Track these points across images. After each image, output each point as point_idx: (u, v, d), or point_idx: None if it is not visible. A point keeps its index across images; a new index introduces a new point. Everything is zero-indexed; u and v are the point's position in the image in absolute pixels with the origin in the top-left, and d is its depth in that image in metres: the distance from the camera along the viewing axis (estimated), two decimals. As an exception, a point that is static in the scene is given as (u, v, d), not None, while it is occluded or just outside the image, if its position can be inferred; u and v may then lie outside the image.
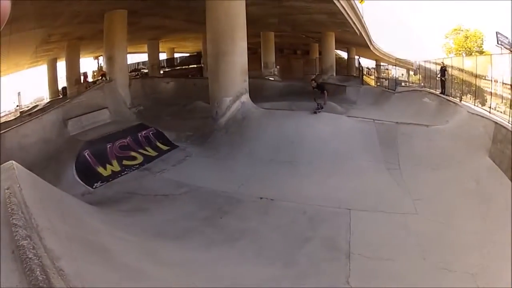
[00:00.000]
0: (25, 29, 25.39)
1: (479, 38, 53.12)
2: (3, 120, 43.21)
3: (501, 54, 25.30)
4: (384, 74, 42.92)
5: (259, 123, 16.78)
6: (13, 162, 6.94)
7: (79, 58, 37.76)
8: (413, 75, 40.83)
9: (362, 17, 39.80)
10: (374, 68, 54.50)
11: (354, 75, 47.89)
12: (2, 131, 18.32)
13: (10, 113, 49.91)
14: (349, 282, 7.62)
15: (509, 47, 32.49)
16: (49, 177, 10.43)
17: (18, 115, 40.55)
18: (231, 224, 9.89)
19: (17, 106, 51.85)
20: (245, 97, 18.27)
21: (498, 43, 32.50)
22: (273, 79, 38.80)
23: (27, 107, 46.61)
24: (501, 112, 15.72)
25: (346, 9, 32.55)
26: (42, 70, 43.38)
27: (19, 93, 55.93)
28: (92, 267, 5.25)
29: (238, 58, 18.18)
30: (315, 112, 16.36)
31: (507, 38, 33.46)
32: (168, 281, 6.27)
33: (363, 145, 15.17)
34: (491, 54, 24.31)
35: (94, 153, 14.56)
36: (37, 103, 46.40)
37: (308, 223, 10.20)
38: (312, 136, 15.11)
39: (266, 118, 17.09)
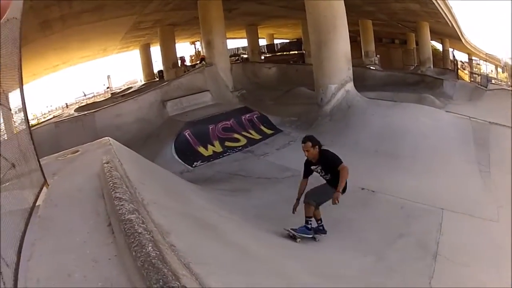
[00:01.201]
0: (113, 17, 26.10)
1: None
2: (92, 101, 45.29)
3: None
4: (476, 69, 41.77)
5: (364, 113, 16.53)
6: (109, 138, 7.02)
7: (174, 43, 38.75)
8: (501, 73, 39.31)
9: (451, 7, 38.30)
10: (467, 62, 53.07)
11: (450, 68, 46.25)
12: (95, 110, 18.96)
13: (99, 95, 52.18)
14: (431, 284, 7.56)
15: None
16: (145, 155, 10.79)
17: (109, 96, 42.10)
18: (332, 213, 9.68)
19: (107, 88, 53.95)
20: (350, 86, 18.03)
21: None
22: (374, 68, 38.08)
23: (119, 89, 48.33)
24: None
25: None
26: (131, 55, 45.13)
27: (108, 76, 58.22)
28: (203, 243, 5.33)
29: (341, 46, 17.94)
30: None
31: None
32: (271, 262, 6.36)
33: (459, 142, 14.70)
34: None
35: (195, 133, 14.97)
36: (131, 86, 47.98)
37: (404, 219, 10.15)
38: (414, 129, 14.74)
39: (371, 108, 16.80)
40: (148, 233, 3.59)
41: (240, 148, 15.33)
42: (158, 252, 3.21)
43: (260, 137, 16.49)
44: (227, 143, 15.55)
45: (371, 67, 38.12)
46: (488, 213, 10.76)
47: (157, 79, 42.54)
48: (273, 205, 10.21)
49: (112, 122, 17.82)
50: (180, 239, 4.33)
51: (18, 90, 4.97)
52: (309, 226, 8.60)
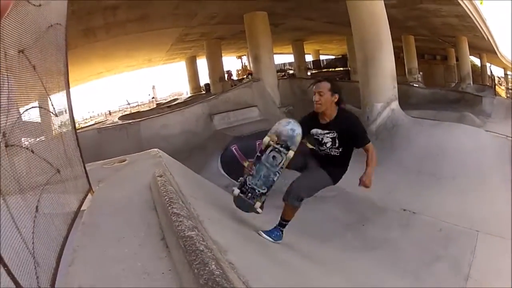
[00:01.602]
0: (159, 28, 26.50)
1: None
2: (136, 110, 45.94)
3: None
4: (510, 84, 41.55)
5: (408, 132, 16.58)
6: (158, 149, 7.07)
7: (221, 56, 39.40)
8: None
9: (486, 20, 38.22)
10: (503, 77, 52.71)
11: (488, 84, 46.54)
12: (140, 119, 19.19)
13: (143, 104, 53.03)
14: None
15: None
16: (191, 167, 11.10)
17: (154, 106, 42.72)
18: (372, 232, 10.25)
19: (152, 98, 54.86)
20: (395, 104, 18.06)
21: None
22: (417, 85, 38.01)
23: (164, 100, 49.08)
24: None
25: (472, 11, 32.22)
26: (176, 66, 45.91)
27: (153, 86, 59.23)
28: (257, 260, 5.29)
29: (386, 63, 18.05)
30: None
31: None
32: (315, 277, 6.46)
33: (497, 162, 14.45)
34: None
35: (242, 148, 14.93)
36: (176, 97, 48.74)
37: (442, 241, 10.22)
38: (455, 149, 14.70)
39: (415, 128, 16.77)
40: (210, 251, 3.60)
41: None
42: (221, 271, 3.20)
43: None
44: None
45: (415, 85, 37.94)
46: None
47: (204, 92, 43.28)
48: (317, 223, 10.41)
49: (157, 132, 18.10)
50: (238, 257, 4.23)
51: (61, 95, 5.02)
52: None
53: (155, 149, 7.69)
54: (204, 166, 14.44)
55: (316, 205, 11.35)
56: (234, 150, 14.71)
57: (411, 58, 44.07)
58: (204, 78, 45.41)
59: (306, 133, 6.21)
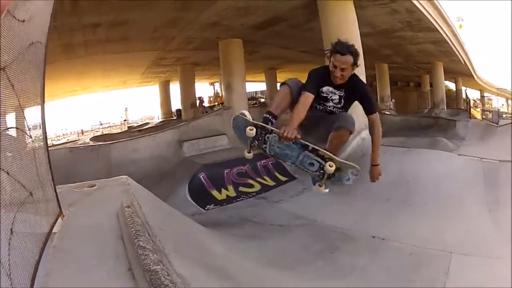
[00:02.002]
0: (137, 50, 26.61)
1: None
2: (107, 131, 46.03)
3: None
4: (488, 105, 42.30)
5: None
6: (127, 177, 7.12)
7: (194, 82, 39.46)
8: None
9: (464, 44, 39.25)
10: (479, 99, 53.58)
11: (463, 108, 47.32)
12: (111, 142, 19.21)
13: (115, 126, 53.13)
14: None
15: None
16: (159, 192, 11.02)
17: (126, 129, 42.81)
18: (342, 260, 10.16)
19: (124, 120, 54.86)
20: (365, 133, 17.89)
21: None
22: (389, 113, 38.73)
23: (136, 123, 49.14)
24: None
25: (450, 36, 32.77)
26: (150, 90, 45.96)
27: (126, 108, 59.20)
28: None
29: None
30: None
31: None
32: None
33: (470, 185, 14.62)
34: None
35: (210, 176, 15.10)
36: (148, 121, 48.84)
37: (412, 264, 10.25)
38: (426, 175, 14.87)
39: (385, 156, 16.48)
40: (174, 285, 3.67)
41: (254, 194, 15.34)
42: None
43: (274, 183, 16.46)
44: (241, 188, 15.58)
45: (387, 112, 38.68)
46: (498, 252, 10.76)
47: (175, 118, 43.39)
48: (285, 252, 10.29)
49: (127, 156, 18.10)
50: None
51: (35, 113, 5.00)
52: None
53: (124, 176, 7.71)
54: (172, 193, 14.40)
55: (284, 234, 11.56)
56: (202, 178, 14.74)
57: (384, 86, 44.70)
58: (176, 103, 45.66)
59: (317, 90, 5.98)
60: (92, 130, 54.48)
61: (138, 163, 17.53)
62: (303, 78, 5.97)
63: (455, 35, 34.93)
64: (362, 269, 9.74)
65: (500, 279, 9.41)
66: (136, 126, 44.49)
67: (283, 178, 17.00)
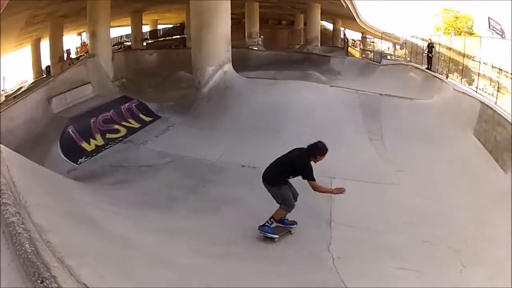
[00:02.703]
0: (11, 14, 25.31)
1: (469, 20, 52.83)
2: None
3: (492, 37, 25.71)
4: (370, 47, 43.06)
5: (242, 92, 16.67)
6: (0, 145, 7.04)
7: (62, 35, 37.37)
8: (399, 50, 40.91)
9: None
10: (359, 40, 54.71)
11: (339, 46, 48.25)
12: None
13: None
14: (330, 250, 7.77)
15: (500, 33, 32.90)
16: (35, 156, 10.67)
17: (3, 99, 40.62)
18: (214, 192, 10.10)
19: (2, 90, 51.74)
20: (228, 66, 18.16)
21: (489, 27, 32.93)
22: (257, 48, 38.66)
23: (12, 90, 46.63)
24: (489, 94, 15.94)
25: None
26: (26, 52, 43.15)
27: (3, 78, 55.72)
28: (79, 237, 5.56)
29: (222, 28, 18.05)
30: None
31: (499, 24, 33.87)
32: (152, 249, 6.47)
33: (346, 115, 15.22)
34: (481, 37, 24.66)
35: (78, 129, 14.50)
36: (21, 85, 46.35)
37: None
38: (296, 105, 15.04)
39: (250, 87, 17.02)
40: (26, 232, 3.86)
41: (121, 138, 14.99)
42: (33, 248, 3.52)
43: (140, 125, 16.25)
44: (108, 135, 15.16)
45: (254, 48, 38.76)
46: (388, 179, 11.42)
47: (45, 76, 41.22)
48: (156, 192, 10.11)
49: (6, 126, 17.29)
50: (58, 236, 4.55)
51: None
52: None
53: None
54: (47, 154, 13.80)
55: (154, 174, 11.37)
56: (71, 132, 14.38)
57: (252, 23, 44.16)
58: (47, 60, 43.33)
59: None
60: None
61: (14, 131, 16.65)
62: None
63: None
64: (236, 199, 9.74)
65: (383, 203, 10.07)
66: (12, 94, 42.23)
67: (147, 119, 16.87)
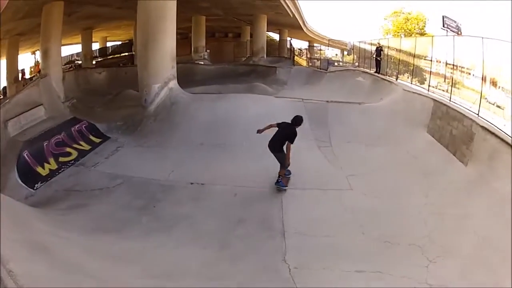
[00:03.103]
0: None
1: (421, 20, 53.65)
2: None
3: (447, 35, 26.52)
4: (318, 55, 43.40)
5: (188, 108, 16.94)
6: None
7: (17, 54, 36.34)
8: (347, 55, 41.45)
9: None
10: (306, 49, 55.20)
11: (286, 56, 48.32)
12: None
13: None
14: (286, 260, 8.00)
15: (456, 30, 33.78)
16: None
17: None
18: (165, 212, 10.28)
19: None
20: (173, 83, 18.39)
21: (444, 26, 33.72)
22: (203, 63, 38.76)
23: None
24: (443, 91, 16.39)
25: None
26: None
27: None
28: (36, 266, 5.67)
29: (167, 44, 18.26)
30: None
31: (454, 22, 34.79)
32: (105, 274, 6.64)
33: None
34: (432, 36, 25.30)
35: (32, 153, 14.28)
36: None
37: (240, 205, 10.66)
38: (242, 118, 15.43)
39: (195, 103, 17.28)
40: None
41: (73, 162, 14.80)
42: None
43: (90, 147, 16.07)
44: (61, 159, 14.93)
45: (200, 62, 38.87)
46: (339, 184, 11.74)
47: (1, 97, 40.48)
48: (109, 215, 10.17)
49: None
50: (18, 265, 4.79)
51: None
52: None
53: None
54: (7, 180, 13.66)
55: (105, 197, 11.43)
56: (26, 156, 14.19)
57: (198, 37, 44.45)
58: (3, 81, 42.41)
59: None
60: None
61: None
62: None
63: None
64: (186, 217, 9.97)
65: (337, 209, 10.34)
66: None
67: (97, 140, 16.70)
